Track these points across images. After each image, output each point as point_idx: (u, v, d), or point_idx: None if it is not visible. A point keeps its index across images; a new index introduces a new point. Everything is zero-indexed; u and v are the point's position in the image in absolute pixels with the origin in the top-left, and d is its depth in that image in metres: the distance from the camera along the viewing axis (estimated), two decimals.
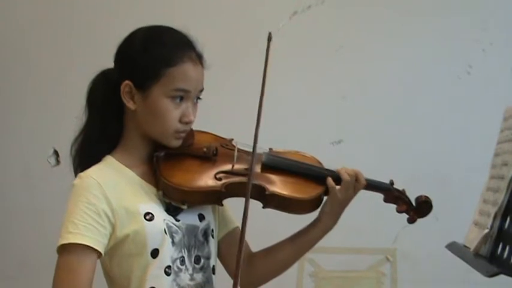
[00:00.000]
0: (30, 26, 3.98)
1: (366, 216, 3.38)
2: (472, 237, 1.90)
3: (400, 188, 2.24)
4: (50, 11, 3.96)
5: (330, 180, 2.13)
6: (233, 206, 2.18)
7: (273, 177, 2.13)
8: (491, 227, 1.77)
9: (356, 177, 2.15)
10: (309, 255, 2.27)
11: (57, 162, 3.90)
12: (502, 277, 1.65)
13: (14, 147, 3.97)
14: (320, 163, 2.23)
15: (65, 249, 1.93)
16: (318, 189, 2.14)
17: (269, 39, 2.09)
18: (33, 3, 3.99)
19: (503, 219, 1.74)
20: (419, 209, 2.22)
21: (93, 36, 3.86)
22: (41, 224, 3.77)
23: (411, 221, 2.23)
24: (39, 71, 3.94)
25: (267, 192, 2.07)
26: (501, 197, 1.77)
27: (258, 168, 2.12)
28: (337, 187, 2.14)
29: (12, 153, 3.98)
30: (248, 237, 2.15)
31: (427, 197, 2.22)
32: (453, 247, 2.07)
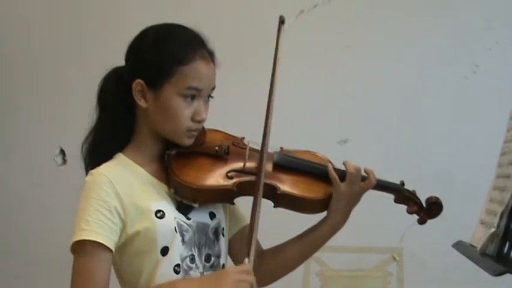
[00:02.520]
0: (37, 25, 3.98)
1: (372, 216, 3.37)
2: (478, 236, 1.90)
3: (411, 189, 2.23)
4: (57, 9, 3.97)
5: (330, 169, 2.13)
6: (244, 204, 2.17)
7: (285, 176, 2.13)
8: (498, 226, 1.77)
9: (367, 174, 2.14)
10: (315, 254, 2.26)
11: (64, 161, 3.90)
12: (509, 276, 1.65)
13: (21, 147, 3.98)
14: (331, 162, 2.23)
15: (80, 248, 1.93)
16: (329, 188, 2.14)
17: (281, 21, 2.09)
18: (41, 1, 4.00)
19: (510, 218, 1.74)
20: (429, 210, 2.22)
21: (101, 34, 3.86)
22: (47, 223, 3.78)
23: (422, 221, 2.24)
24: (45, 69, 3.95)
25: (278, 192, 2.07)
26: (508, 196, 1.78)
27: (269, 168, 2.12)
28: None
29: (19, 153, 3.98)
30: (259, 235, 2.15)
31: (437, 198, 2.23)
32: (460, 246, 2.07)
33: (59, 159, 3.91)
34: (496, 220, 1.79)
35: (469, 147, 3.67)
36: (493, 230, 1.78)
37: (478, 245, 1.84)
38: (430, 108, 3.73)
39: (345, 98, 3.76)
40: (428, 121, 3.73)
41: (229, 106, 3.47)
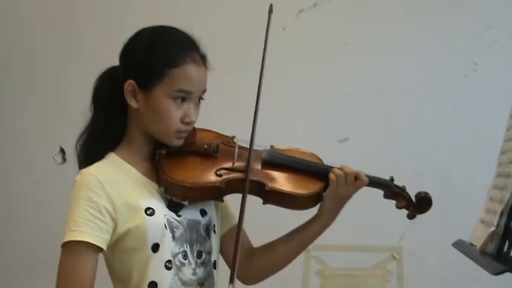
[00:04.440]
0: (34, 25, 3.99)
1: (372, 214, 3.38)
2: (478, 235, 1.90)
3: (401, 185, 2.24)
4: (54, 8, 3.97)
5: (332, 175, 2.13)
6: (236, 202, 2.18)
7: (273, 173, 2.15)
8: (498, 224, 1.76)
9: (356, 176, 2.14)
10: (315, 252, 2.26)
11: (64, 160, 3.90)
12: (509, 275, 1.65)
13: (21, 146, 3.98)
14: (320, 160, 2.25)
15: (67, 247, 1.96)
16: (318, 185, 2.15)
17: (270, 11, 2.11)
18: (41, 2, 4.00)
19: (510, 217, 1.74)
20: (419, 205, 2.22)
21: (98, 34, 3.87)
22: (47, 222, 3.78)
23: (411, 216, 2.24)
24: (45, 69, 3.95)
25: (266, 188, 2.08)
26: (507, 195, 1.77)
27: (258, 165, 2.15)
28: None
29: (19, 152, 3.98)
30: (251, 233, 2.16)
31: (426, 193, 2.23)
32: (459, 245, 2.07)
33: (59, 158, 3.91)
34: (495, 219, 1.79)
35: (469, 145, 3.67)
36: (492, 228, 1.77)
37: (478, 243, 1.83)
38: (429, 106, 3.74)
39: (345, 97, 3.77)
40: (428, 119, 3.73)
41: (223, 105, 3.48)
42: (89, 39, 3.91)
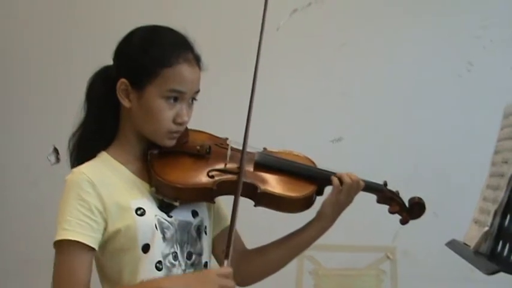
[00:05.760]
0: (29, 24, 3.98)
1: (366, 214, 3.36)
2: (472, 235, 1.90)
3: (394, 189, 2.23)
4: (49, 8, 3.96)
5: (336, 181, 2.13)
6: (229, 203, 2.17)
7: (265, 175, 2.15)
8: (491, 224, 1.77)
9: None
10: (309, 252, 2.26)
11: (57, 160, 3.90)
12: (502, 275, 1.65)
13: (14, 145, 3.97)
14: (313, 163, 2.24)
15: (63, 247, 1.95)
16: (310, 188, 2.15)
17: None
18: (34, 1, 3.99)
19: (503, 217, 1.74)
20: (412, 210, 2.22)
21: (92, 34, 3.86)
22: (41, 222, 3.76)
23: (404, 222, 2.24)
24: (39, 68, 3.94)
25: (258, 191, 2.08)
26: (501, 195, 1.78)
27: (250, 167, 2.15)
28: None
29: (13, 151, 3.97)
30: (245, 235, 2.16)
31: (420, 199, 2.22)
32: (453, 245, 2.07)
33: (53, 158, 3.90)
34: (489, 219, 1.79)
35: (463, 145, 3.67)
36: (486, 228, 1.78)
37: (472, 243, 1.84)
38: (424, 106, 3.73)
39: (339, 97, 3.76)
40: (423, 119, 3.73)
41: (217, 107, 3.47)
42: (84, 38, 3.90)
